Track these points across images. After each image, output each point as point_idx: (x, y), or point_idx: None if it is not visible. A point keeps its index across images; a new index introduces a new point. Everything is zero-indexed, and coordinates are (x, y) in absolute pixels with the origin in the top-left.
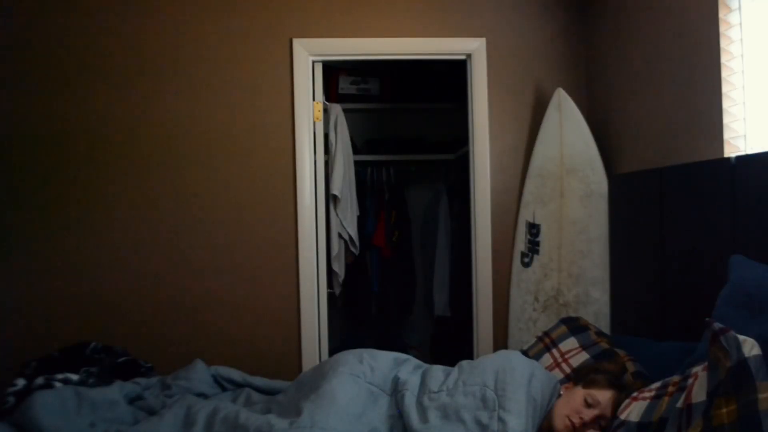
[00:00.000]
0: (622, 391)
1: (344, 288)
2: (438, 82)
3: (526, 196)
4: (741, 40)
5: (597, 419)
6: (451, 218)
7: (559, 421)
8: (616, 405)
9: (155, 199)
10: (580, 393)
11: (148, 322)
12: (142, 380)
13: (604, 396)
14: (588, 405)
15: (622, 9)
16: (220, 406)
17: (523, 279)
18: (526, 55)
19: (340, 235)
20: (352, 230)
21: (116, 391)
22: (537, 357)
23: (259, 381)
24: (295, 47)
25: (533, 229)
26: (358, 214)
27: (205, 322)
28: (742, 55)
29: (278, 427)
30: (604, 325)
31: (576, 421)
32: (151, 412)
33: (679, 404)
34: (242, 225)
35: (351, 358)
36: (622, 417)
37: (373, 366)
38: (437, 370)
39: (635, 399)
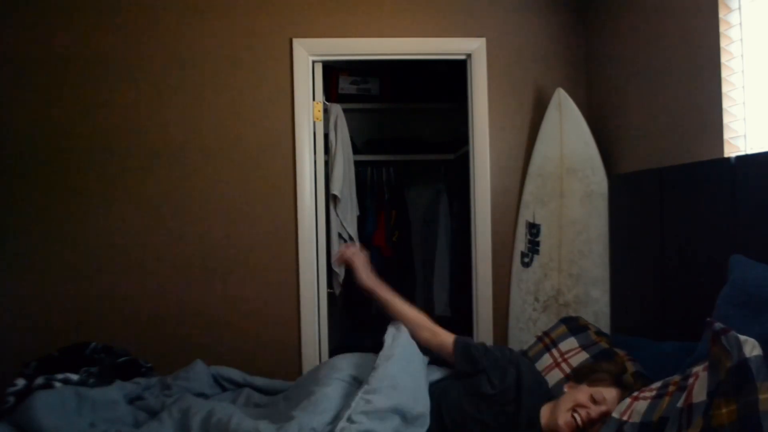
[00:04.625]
0: (626, 390)
1: (344, 288)
2: (438, 82)
3: (526, 196)
4: (741, 40)
5: (603, 415)
6: (451, 218)
7: (562, 417)
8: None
9: (154, 199)
10: (585, 390)
11: (148, 321)
12: (142, 380)
13: (610, 393)
14: (595, 402)
15: (622, 9)
16: (216, 409)
17: (523, 279)
18: (526, 55)
19: (340, 235)
20: (352, 230)
21: (116, 391)
22: (537, 357)
23: (259, 381)
24: (295, 47)
25: (533, 229)
26: (358, 214)
27: (205, 322)
28: (742, 55)
29: None
30: (604, 325)
31: (583, 415)
32: (151, 413)
33: (680, 404)
34: (242, 225)
35: (344, 363)
36: (624, 417)
37: (361, 367)
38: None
39: (636, 399)
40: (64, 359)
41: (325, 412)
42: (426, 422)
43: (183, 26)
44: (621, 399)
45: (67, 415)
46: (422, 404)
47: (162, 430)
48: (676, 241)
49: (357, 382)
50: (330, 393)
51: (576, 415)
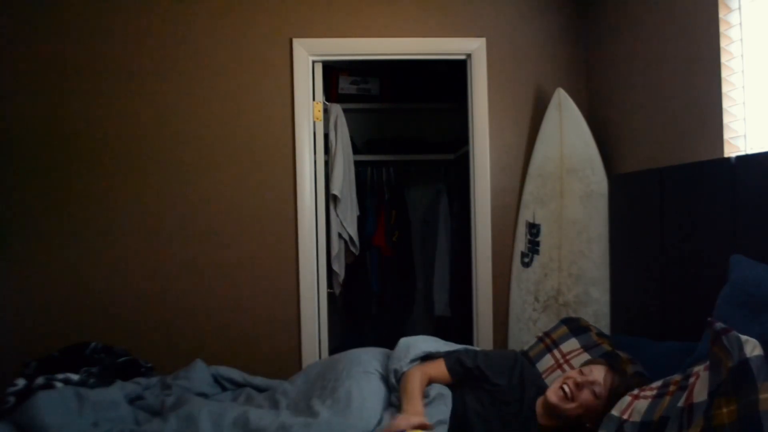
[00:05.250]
0: (616, 371)
1: (344, 288)
2: (438, 82)
3: (526, 196)
4: (741, 40)
5: (590, 384)
6: (451, 218)
7: (552, 391)
8: (610, 383)
9: (155, 200)
10: (575, 369)
11: (148, 322)
12: (143, 380)
13: (598, 369)
14: (582, 374)
15: (622, 9)
16: (225, 409)
17: (523, 279)
18: (526, 55)
19: (340, 235)
20: (352, 230)
21: (117, 391)
22: (538, 358)
23: (259, 381)
24: (295, 47)
25: (533, 229)
26: (358, 214)
27: (205, 322)
28: (742, 55)
29: (295, 430)
30: (604, 326)
31: (570, 383)
32: (152, 412)
33: (681, 403)
34: (242, 225)
35: (364, 356)
36: (625, 416)
37: (383, 361)
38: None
39: (636, 397)
40: (64, 359)
41: (351, 409)
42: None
43: (183, 27)
44: (610, 376)
45: (69, 415)
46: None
47: (167, 429)
48: (676, 241)
49: (382, 376)
50: (353, 389)
51: (564, 385)
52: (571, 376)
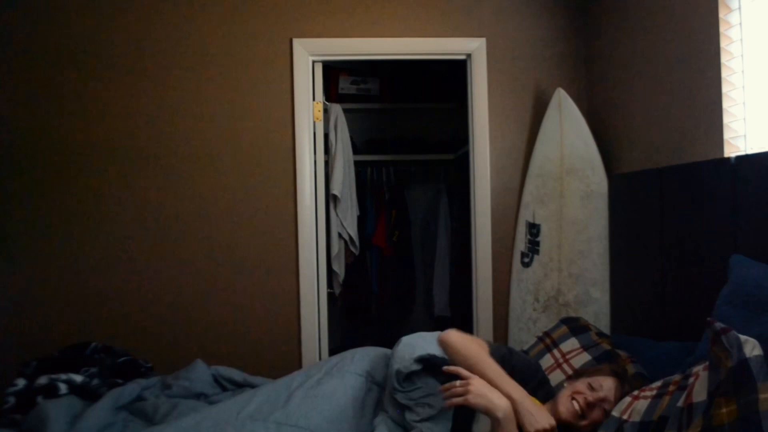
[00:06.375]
0: (624, 381)
1: (344, 288)
2: (438, 82)
3: (526, 196)
4: (741, 40)
5: (601, 402)
6: (451, 218)
7: (563, 405)
8: (619, 394)
9: (155, 199)
10: (583, 380)
11: (148, 321)
12: (143, 380)
13: (607, 381)
14: (592, 389)
15: (622, 9)
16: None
17: (523, 279)
18: (526, 55)
19: (340, 235)
20: (352, 230)
21: (107, 401)
22: (538, 357)
23: (259, 381)
24: (295, 47)
25: (533, 229)
26: (358, 214)
27: (205, 322)
28: (742, 55)
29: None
30: (605, 325)
31: (581, 400)
32: (146, 418)
33: (680, 403)
34: (242, 225)
35: (358, 355)
36: (624, 416)
37: (377, 362)
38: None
39: (636, 398)
40: (64, 359)
41: (329, 407)
42: None
43: (183, 27)
44: (620, 389)
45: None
46: None
47: None
48: (676, 241)
49: (370, 377)
50: (337, 386)
51: (574, 401)
52: (582, 391)
